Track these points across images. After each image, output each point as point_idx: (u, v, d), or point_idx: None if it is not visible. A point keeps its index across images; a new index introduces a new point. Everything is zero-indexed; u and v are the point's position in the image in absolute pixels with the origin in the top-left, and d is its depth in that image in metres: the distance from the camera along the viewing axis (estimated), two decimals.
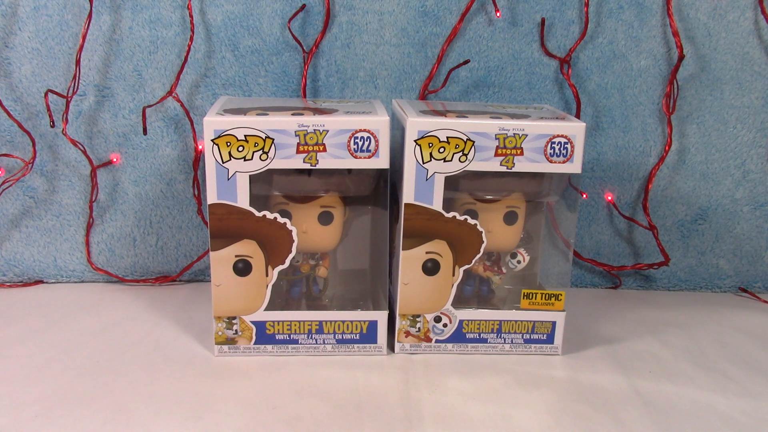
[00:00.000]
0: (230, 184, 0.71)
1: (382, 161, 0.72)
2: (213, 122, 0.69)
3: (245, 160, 0.70)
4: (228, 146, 0.69)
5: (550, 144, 0.72)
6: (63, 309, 0.87)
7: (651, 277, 1.00)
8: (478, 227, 0.75)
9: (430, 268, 0.75)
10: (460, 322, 0.78)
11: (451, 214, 0.74)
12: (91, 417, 0.64)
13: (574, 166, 0.73)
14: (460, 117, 0.73)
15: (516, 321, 0.78)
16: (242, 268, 0.74)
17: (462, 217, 0.74)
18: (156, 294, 0.93)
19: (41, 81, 0.89)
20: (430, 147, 0.71)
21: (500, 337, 0.79)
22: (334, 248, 0.82)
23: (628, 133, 0.94)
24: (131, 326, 0.83)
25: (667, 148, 0.94)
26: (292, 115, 0.71)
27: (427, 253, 0.75)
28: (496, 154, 0.72)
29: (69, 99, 0.88)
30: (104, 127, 0.91)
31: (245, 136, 0.69)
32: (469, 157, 0.72)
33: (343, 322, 0.76)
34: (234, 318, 0.75)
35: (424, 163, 0.72)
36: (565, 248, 0.82)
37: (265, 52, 0.90)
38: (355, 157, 0.71)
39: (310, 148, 0.70)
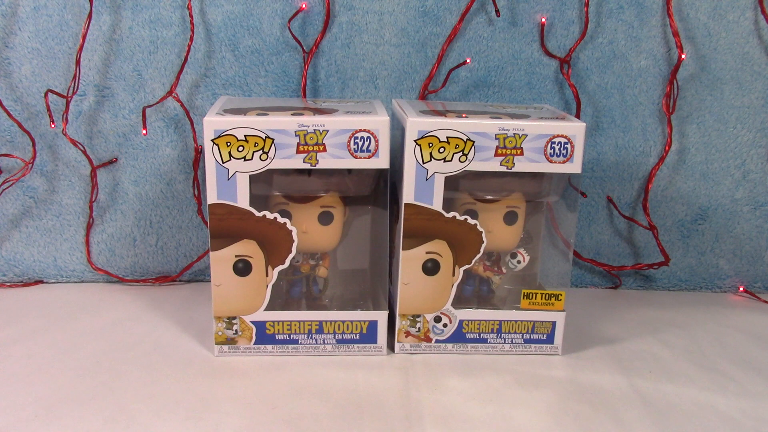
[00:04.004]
0: (230, 184, 0.71)
1: (382, 161, 0.72)
2: (213, 122, 0.69)
3: (245, 160, 0.70)
4: (228, 146, 0.69)
5: (550, 144, 0.72)
6: (63, 309, 0.87)
7: (651, 277, 1.00)
8: (478, 227, 0.75)
9: (430, 268, 0.75)
10: (460, 322, 0.78)
11: (451, 214, 0.74)
12: (91, 417, 0.64)
13: (574, 166, 0.73)
14: (459, 117, 0.73)
15: (516, 321, 0.78)
16: (242, 268, 0.74)
17: (462, 217, 0.74)
18: (156, 294, 0.93)
19: (41, 81, 0.89)
20: (430, 147, 0.71)
21: (500, 337, 0.79)
22: (334, 248, 0.82)
23: (628, 133, 0.94)
24: (131, 326, 0.83)
25: (667, 148, 0.94)
26: (292, 115, 0.71)
27: (427, 253, 0.75)
28: (496, 154, 0.72)
29: (69, 99, 0.88)
30: (104, 127, 0.91)
31: (245, 136, 0.69)
32: (469, 157, 0.72)
33: (343, 322, 0.76)
34: (234, 318, 0.75)
35: (424, 163, 0.72)
36: (565, 248, 0.82)
37: (265, 52, 0.90)
38: (355, 157, 0.71)
39: (310, 148, 0.70)
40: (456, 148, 0.72)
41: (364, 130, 0.70)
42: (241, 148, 0.70)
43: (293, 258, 0.74)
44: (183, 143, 0.92)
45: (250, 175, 0.71)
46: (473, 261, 0.76)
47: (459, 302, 0.78)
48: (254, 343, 0.76)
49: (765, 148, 0.95)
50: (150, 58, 0.89)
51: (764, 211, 0.97)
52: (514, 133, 0.72)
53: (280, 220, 0.73)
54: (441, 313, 0.77)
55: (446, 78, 0.91)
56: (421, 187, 0.73)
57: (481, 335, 0.78)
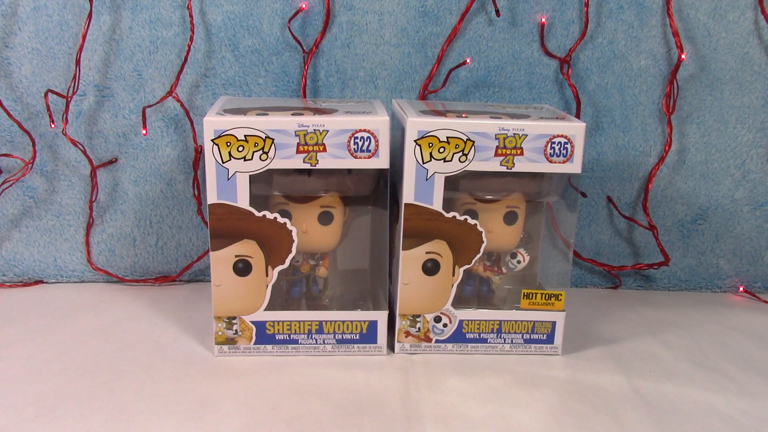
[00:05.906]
0: (230, 184, 0.71)
1: (382, 161, 0.72)
2: (213, 122, 0.69)
3: (245, 160, 0.70)
4: (228, 146, 0.70)
5: (550, 144, 0.72)
6: (63, 309, 0.87)
7: (651, 277, 1.00)
8: (478, 227, 0.75)
9: (430, 268, 0.75)
10: (460, 322, 0.78)
11: (451, 214, 0.74)
12: (91, 417, 0.64)
13: (574, 166, 0.73)
14: (459, 117, 0.73)
15: (516, 321, 0.78)
16: (242, 268, 0.74)
17: (462, 217, 0.74)
18: (156, 294, 0.93)
19: (41, 81, 0.89)
20: (430, 147, 0.71)
21: (500, 337, 0.79)
22: (334, 248, 0.82)
23: (628, 133, 0.94)
24: (131, 326, 0.83)
25: (667, 148, 0.94)
26: (292, 115, 0.71)
27: (427, 253, 0.75)
28: (496, 154, 0.72)
29: (69, 99, 0.88)
30: (104, 127, 0.91)
31: (245, 136, 0.69)
32: (469, 157, 0.72)
33: (343, 322, 0.76)
34: (234, 318, 0.75)
35: (424, 163, 0.72)
36: (565, 248, 0.82)
37: (265, 52, 0.90)
38: (355, 157, 0.71)
39: (310, 148, 0.70)
40: (456, 148, 0.72)
41: (364, 130, 0.70)
42: (241, 148, 0.70)
43: (293, 258, 0.74)
44: (183, 143, 0.92)
45: (250, 175, 0.71)
46: (473, 261, 0.76)
47: (459, 302, 0.78)
48: (254, 343, 0.76)
49: (765, 148, 0.95)
50: (150, 58, 0.89)
51: (764, 211, 0.97)
52: (514, 133, 0.72)
53: (280, 220, 0.73)
54: (441, 313, 0.77)
55: (446, 78, 0.91)
56: (421, 187, 0.73)
57: (481, 335, 0.78)
